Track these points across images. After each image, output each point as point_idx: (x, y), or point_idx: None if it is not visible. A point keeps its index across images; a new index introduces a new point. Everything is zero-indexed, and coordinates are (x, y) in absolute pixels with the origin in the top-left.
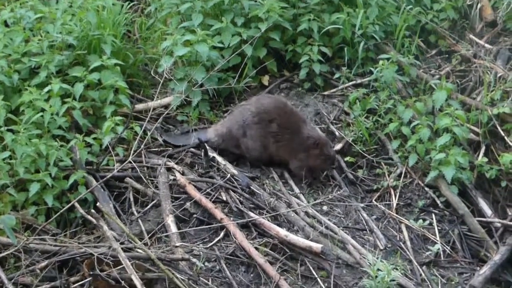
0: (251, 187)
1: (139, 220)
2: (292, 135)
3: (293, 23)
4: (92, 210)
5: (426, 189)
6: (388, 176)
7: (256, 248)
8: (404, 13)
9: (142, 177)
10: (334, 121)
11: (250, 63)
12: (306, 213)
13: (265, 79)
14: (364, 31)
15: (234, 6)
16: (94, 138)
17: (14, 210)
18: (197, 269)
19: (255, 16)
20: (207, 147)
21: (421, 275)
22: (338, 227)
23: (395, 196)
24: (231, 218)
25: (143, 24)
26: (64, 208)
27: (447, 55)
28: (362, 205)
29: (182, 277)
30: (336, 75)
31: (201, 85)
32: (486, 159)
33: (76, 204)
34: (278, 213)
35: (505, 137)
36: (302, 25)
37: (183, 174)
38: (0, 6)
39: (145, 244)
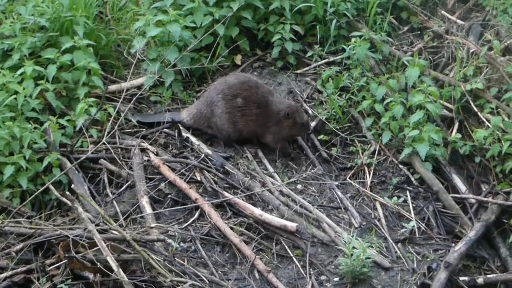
0: (225, 167)
1: (114, 202)
2: (261, 109)
3: (265, 2)
4: (67, 192)
5: (400, 166)
6: (362, 153)
7: (231, 228)
8: None
9: (116, 158)
10: (307, 100)
11: (222, 43)
12: (281, 192)
13: (238, 58)
14: (336, 8)
15: None
16: (68, 120)
17: None
18: (173, 250)
19: None
20: (181, 128)
21: (396, 252)
22: (313, 205)
23: (369, 173)
24: (206, 198)
25: (115, 5)
26: (39, 191)
27: (419, 32)
28: (336, 183)
29: (158, 258)
30: (309, 53)
31: (174, 65)
32: (459, 135)
33: (51, 186)
34: (252, 192)
35: (478, 113)
36: (274, 3)
37: (157, 154)
38: None
39: (120, 226)
